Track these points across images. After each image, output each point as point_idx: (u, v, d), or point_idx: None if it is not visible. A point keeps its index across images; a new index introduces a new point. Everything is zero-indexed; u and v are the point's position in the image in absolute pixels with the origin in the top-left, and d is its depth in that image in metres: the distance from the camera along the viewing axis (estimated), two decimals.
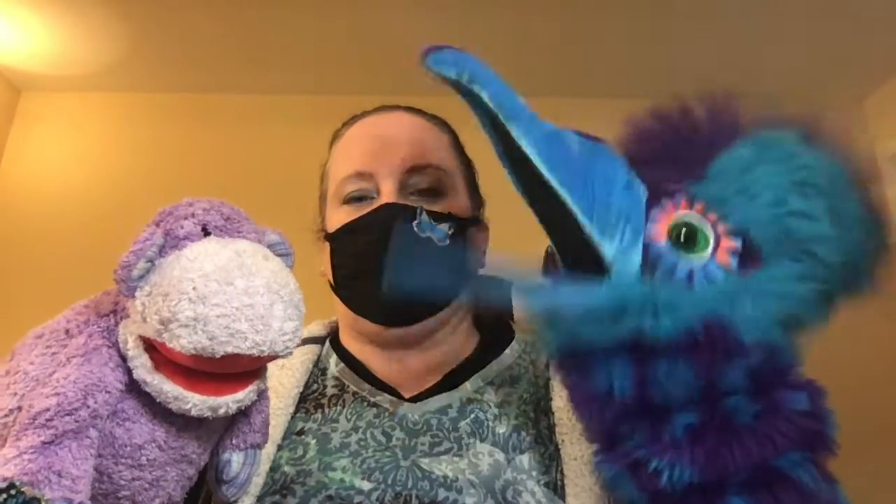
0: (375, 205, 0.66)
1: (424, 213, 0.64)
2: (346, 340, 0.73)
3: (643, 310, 0.41)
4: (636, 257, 0.43)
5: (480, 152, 0.78)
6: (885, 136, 2.09)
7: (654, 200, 0.44)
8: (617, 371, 0.43)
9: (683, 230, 0.43)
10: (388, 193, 0.66)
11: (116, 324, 0.44)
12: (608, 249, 0.42)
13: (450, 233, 0.64)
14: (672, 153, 0.46)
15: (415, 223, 0.63)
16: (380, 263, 0.63)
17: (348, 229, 0.67)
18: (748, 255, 0.43)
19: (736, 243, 0.43)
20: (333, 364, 0.71)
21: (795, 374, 0.45)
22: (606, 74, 2.07)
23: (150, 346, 0.42)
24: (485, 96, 0.45)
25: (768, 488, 0.42)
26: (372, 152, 0.68)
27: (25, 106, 2.22)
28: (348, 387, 0.68)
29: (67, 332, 0.45)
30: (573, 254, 0.45)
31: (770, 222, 0.43)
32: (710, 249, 0.43)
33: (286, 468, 0.60)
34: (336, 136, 0.76)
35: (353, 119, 0.75)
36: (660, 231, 0.44)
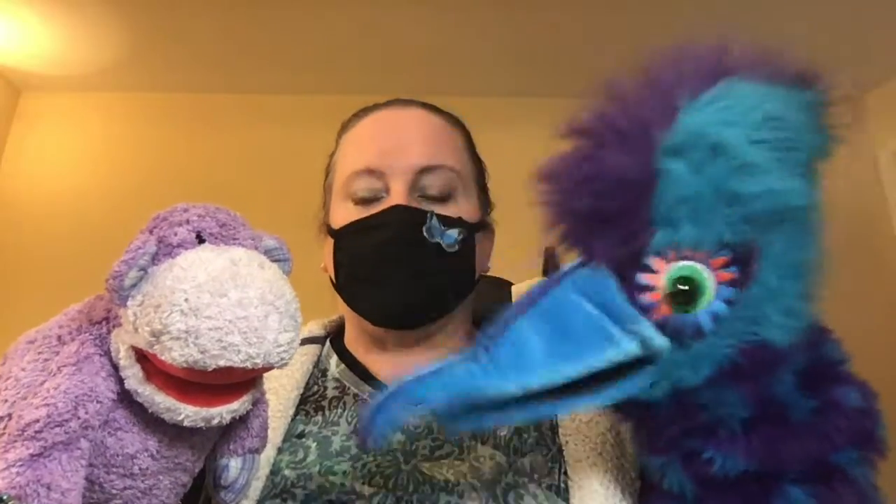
0: (385, 204, 0.65)
1: (434, 217, 0.63)
2: (349, 340, 0.73)
3: (681, 375, 0.41)
4: (662, 340, 0.41)
5: (488, 153, 0.77)
6: (885, 135, 2.08)
7: (627, 280, 0.42)
8: (665, 408, 0.43)
9: (684, 293, 0.41)
10: (398, 194, 0.65)
11: (109, 331, 0.43)
12: (628, 352, 0.40)
13: (459, 238, 0.63)
14: (611, 215, 0.42)
15: (424, 227, 0.62)
16: (385, 266, 0.63)
17: (354, 228, 0.66)
18: (742, 258, 0.41)
19: (725, 256, 0.41)
20: (334, 365, 0.70)
21: (846, 370, 0.44)
22: (606, 74, 2.06)
23: (143, 356, 0.41)
24: (439, 404, 0.41)
25: (826, 482, 0.41)
26: (384, 149, 0.67)
27: (25, 106, 2.22)
28: (349, 389, 0.67)
29: (60, 338, 0.44)
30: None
31: (735, 221, 0.40)
32: (711, 282, 0.41)
33: (286, 472, 0.59)
34: (345, 127, 0.74)
35: (365, 111, 0.74)
36: (661, 310, 0.41)
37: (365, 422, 0.39)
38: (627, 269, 0.41)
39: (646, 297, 0.41)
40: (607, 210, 0.42)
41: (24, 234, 2.08)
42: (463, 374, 0.41)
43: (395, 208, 0.64)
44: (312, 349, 0.72)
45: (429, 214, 0.63)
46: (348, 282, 0.67)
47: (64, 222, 2.09)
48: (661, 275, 0.41)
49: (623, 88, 0.46)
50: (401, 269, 0.63)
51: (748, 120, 0.40)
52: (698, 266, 0.40)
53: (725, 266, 0.41)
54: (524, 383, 0.39)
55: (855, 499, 0.42)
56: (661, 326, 0.40)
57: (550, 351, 0.40)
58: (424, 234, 0.62)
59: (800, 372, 0.42)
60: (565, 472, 0.57)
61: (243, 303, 0.38)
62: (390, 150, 0.67)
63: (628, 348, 0.40)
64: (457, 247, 0.63)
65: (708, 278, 0.40)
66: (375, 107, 0.73)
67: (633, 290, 0.41)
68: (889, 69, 2.03)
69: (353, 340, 0.72)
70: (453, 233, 0.63)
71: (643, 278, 0.41)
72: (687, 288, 0.40)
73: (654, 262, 0.41)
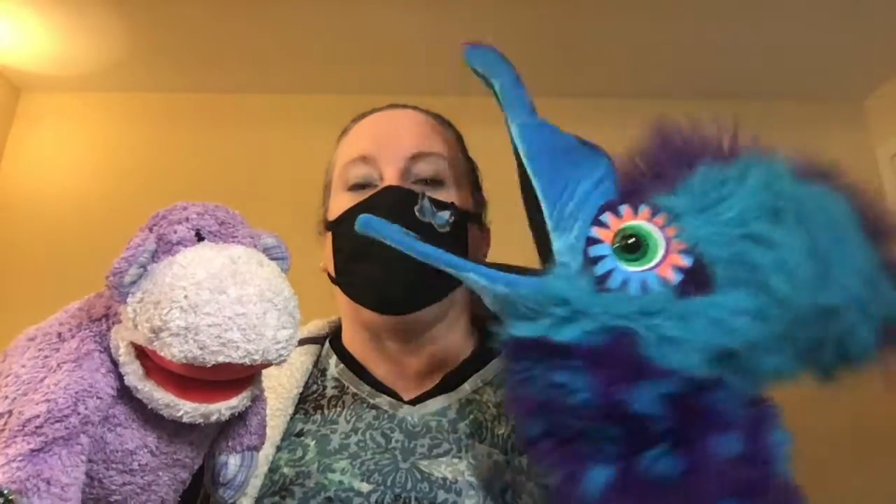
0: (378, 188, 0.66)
1: (427, 198, 0.64)
2: (348, 339, 0.73)
3: (553, 309, 0.39)
4: (580, 256, 0.41)
5: (484, 156, 0.78)
6: (885, 136, 2.09)
7: (617, 204, 0.43)
8: (529, 373, 0.41)
9: (630, 238, 0.42)
10: (390, 178, 0.66)
11: (109, 328, 0.44)
12: (556, 242, 0.42)
13: (450, 220, 0.64)
14: (661, 169, 0.45)
15: (416, 207, 0.63)
16: (378, 247, 0.63)
17: (350, 213, 0.66)
18: (698, 278, 0.40)
19: (686, 261, 0.40)
20: (333, 365, 0.71)
21: (731, 412, 0.39)
22: (606, 74, 2.06)
23: (142, 353, 0.41)
24: (496, 86, 0.47)
25: None
26: (377, 139, 0.69)
27: (25, 106, 2.21)
28: (348, 388, 0.67)
29: (60, 335, 0.45)
30: (541, 248, 0.45)
31: (725, 242, 0.40)
32: (655, 261, 0.41)
33: (285, 469, 0.59)
34: (344, 132, 0.76)
35: (362, 116, 0.76)
36: (608, 234, 0.42)
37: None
38: (625, 203, 0.43)
39: (609, 218, 0.43)
40: (663, 167, 0.45)
41: (24, 234, 2.08)
42: (516, 84, 0.50)
43: (388, 189, 0.65)
44: (312, 349, 0.72)
45: (420, 194, 0.64)
46: (344, 267, 0.68)
47: (64, 222, 2.09)
48: (633, 218, 0.42)
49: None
50: (393, 252, 0.63)
51: (817, 200, 0.41)
52: (656, 240, 0.42)
53: (676, 267, 0.41)
54: (518, 125, 0.45)
55: None
56: (592, 243, 0.42)
57: (549, 151, 0.44)
58: (416, 213, 0.63)
59: (673, 415, 0.39)
60: None
61: (242, 300, 0.39)
62: (383, 139, 0.69)
63: (562, 235, 0.42)
64: (448, 228, 0.64)
65: (653, 255, 0.41)
66: (372, 111, 0.75)
67: (610, 210, 0.43)
68: (889, 69, 2.03)
69: (351, 340, 0.73)
70: (444, 214, 0.64)
71: (624, 209, 0.43)
72: (633, 242, 0.42)
73: (643, 210, 0.43)
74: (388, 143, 0.68)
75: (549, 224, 0.42)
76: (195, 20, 1.90)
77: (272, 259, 0.47)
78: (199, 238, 0.43)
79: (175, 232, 0.41)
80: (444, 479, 0.57)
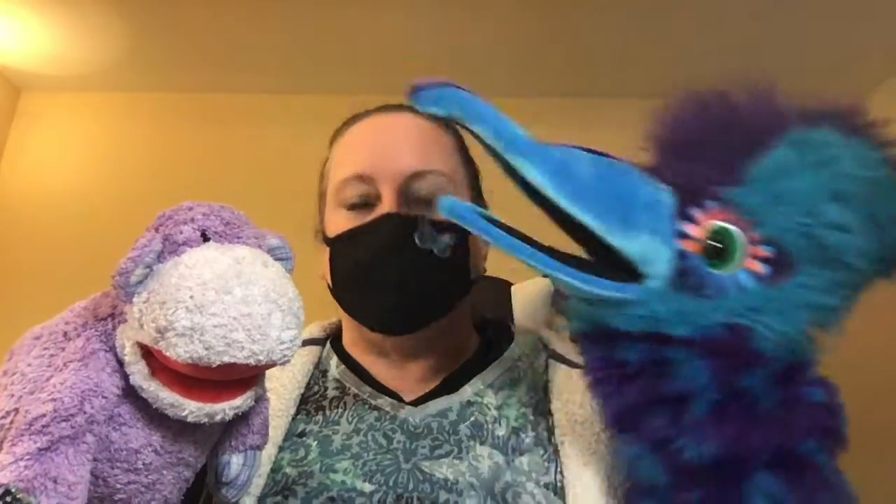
0: (376, 212, 0.65)
1: (426, 223, 0.63)
2: (348, 344, 0.73)
3: (665, 317, 0.42)
4: (664, 266, 0.43)
5: (480, 154, 0.77)
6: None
7: (684, 206, 0.44)
8: (635, 354, 0.44)
9: (716, 242, 0.43)
10: (388, 201, 0.65)
11: (114, 328, 0.44)
12: (621, 243, 0.42)
13: (451, 243, 0.63)
14: (709, 148, 0.45)
15: (416, 234, 0.62)
16: (378, 275, 0.63)
17: (347, 237, 0.66)
18: (781, 263, 0.43)
19: (768, 252, 0.43)
20: (334, 366, 0.71)
21: (813, 371, 0.46)
22: (606, 74, 2.07)
23: (147, 352, 0.42)
24: (480, 133, 0.43)
25: (793, 469, 0.43)
26: (373, 155, 0.67)
27: (25, 106, 2.21)
28: (349, 389, 0.68)
29: (65, 334, 0.45)
30: (602, 261, 0.45)
31: (804, 233, 0.42)
32: (742, 258, 0.43)
33: (287, 469, 0.60)
34: (337, 135, 0.74)
35: (355, 118, 0.74)
36: (692, 244, 0.43)
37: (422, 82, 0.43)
38: (686, 198, 0.44)
39: (687, 227, 0.43)
40: (709, 139, 0.44)
41: (24, 234, 2.08)
42: (513, 128, 0.43)
43: (386, 217, 0.64)
44: (313, 350, 0.72)
45: (420, 220, 0.63)
46: (344, 290, 0.68)
47: (64, 222, 2.09)
48: (710, 220, 0.43)
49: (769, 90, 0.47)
50: (394, 278, 0.63)
51: (868, 168, 0.43)
52: (742, 239, 0.43)
53: (761, 258, 0.43)
54: (540, 171, 0.41)
55: (820, 484, 0.44)
56: (682, 258, 0.43)
57: (587, 184, 0.42)
58: (416, 240, 0.62)
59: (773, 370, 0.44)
60: (561, 472, 0.58)
61: (247, 300, 0.39)
62: (380, 156, 0.67)
63: (632, 243, 0.42)
64: (448, 252, 0.63)
65: (740, 255, 0.43)
66: (366, 113, 0.73)
67: (681, 216, 0.43)
68: (889, 69, 2.03)
69: (352, 343, 0.73)
70: (445, 238, 0.63)
71: (696, 213, 0.43)
72: (721, 246, 0.43)
73: (713, 207, 0.43)
74: (385, 161, 0.66)
75: (620, 248, 0.42)
76: (195, 20, 1.90)
77: (277, 259, 0.47)
78: (205, 238, 0.43)
79: (181, 232, 0.42)
80: (446, 479, 0.58)
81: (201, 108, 2.21)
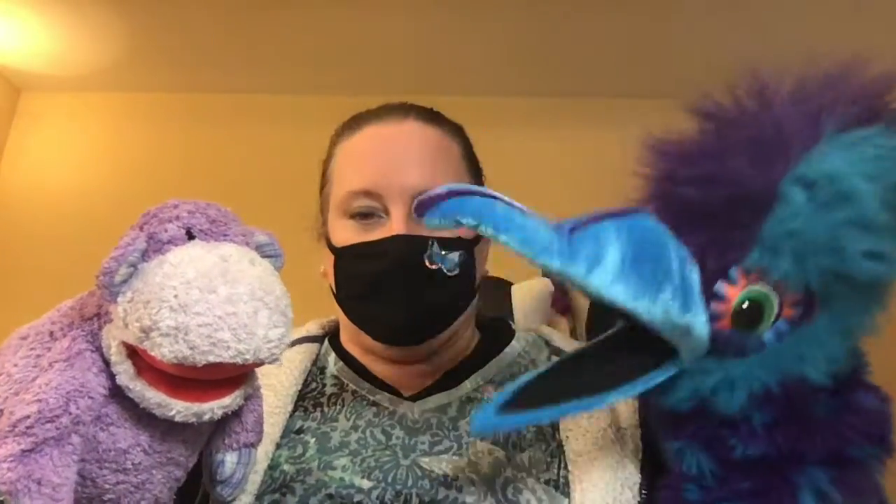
0: (384, 226, 0.65)
1: (435, 244, 0.62)
2: (346, 342, 0.73)
3: (716, 389, 0.42)
4: (704, 332, 0.42)
5: (485, 153, 0.77)
6: None
7: (709, 281, 0.42)
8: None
9: (746, 311, 0.42)
10: (397, 220, 0.64)
11: (100, 327, 0.43)
12: (681, 320, 0.41)
13: (459, 261, 0.63)
14: (717, 218, 0.42)
15: (425, 255, 0.62)
16: (385, 293, 0.63)
17: (355, 252, 0.66)
18: (812, 301, 0.42)
19: (798, 295, 0.42)
20: (332, 363, 0.70)
21: (864, 374, 0.46)
22: (606, 74, 2.06)
23: (133, 352, 0.41)
24: (506, 242, 0.41)
25: (842, 469, 0.43)
26: (380, 171, 0.66)
27: (25, 106, 2.22)
28: (347, 385, 0.67)
29: (52, 334, 0.45)
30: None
31: (831, 272, 0.41)
32: (777, 311, 0.42)
33: (285, 466, 0.59)
34: (340, 136, 0.73)
35: (359, 121, 0.72)
36: (725, 323, 0.42)
37: (425, 199, 0.41)
38: (708, 270, 0.42)
39: (715, 306, 0.42)
40: (714, 211, 0.42)
41: (24, 234, 2.08)
42: (537, 231, 0.40)
43: (396, 238, 0.63)
44: (310, 347, 0.72)
45: (430, 242, 0.62)
46: (349, 302, 0.68)
47: (64, 222, 2.09)
48: (738, 290, 0.42)
49: (771, 89, 0.44)
50: (401, 296, 0.63)
51: (889, 179, 0.40)
52: (772, 295, 0.42)
53: (795, 304, 0.42)
54: (582, 278, 0.39)
55: (868, 485, 0.44)
56: (715, 335, 0.42)
57: (621, 269, 0.40)
58: (425, 261, 0.62)
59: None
60: (565, 467, 0.58)
61: (233, 299, 0.38)
62: (388, 172, 0.66)
63: (679, 315, 0.40)
64: (457, 270, 0.63)
65: (774, 309, 0.42)
66: (371, 117, 0.72)
67: (706, 291, 0.42)
68: (889, 69, 2.02)
69: (350, 341, 0.72)
70: (454, 256, 0.63)
71: (723, 288, 0.42)
72: (754, 310, 0.42)
73: (738, 275, 0.42)
74: (393, 178, 0.65)
75: (635, 307, 0.40)
76: (195, 20, 1.90)
77: (265, 257, 0.46)
78: (190, 236, 0.43)
79: (165, 230, 0.41)
80: (445, 475, 0.57)
81: (201, 108, 2.21)
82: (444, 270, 0.62)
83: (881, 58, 0.42)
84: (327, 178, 0.73)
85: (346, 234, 0.67)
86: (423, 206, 0.42)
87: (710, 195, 0.42)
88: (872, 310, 0.43)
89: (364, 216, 0.66)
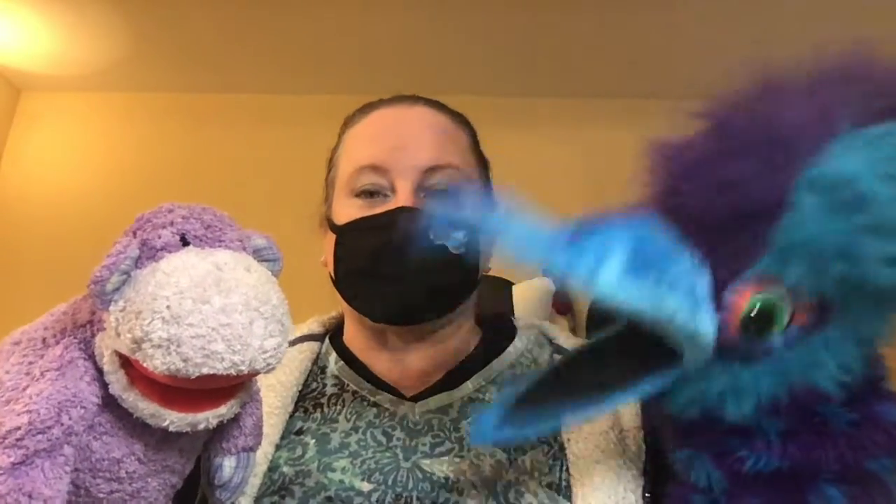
0: (390, 204, 0.64)
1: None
2: (348, 338, 0.72)
3: (722, 396, 0.41)
4: (710, 333, 0.40)
5: (486, 153, 0.77)
6: None
7: (717, 287, 0.41)
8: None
9: (757, 322, 0.40)
10: (403, 194, 0.64)
11: (94, 334, 0.43)
12: (688, 324, 0.40)
13: (465, 240, 0.63)
14: (725, 232, 0.41)
15: (431, 229, 0.62)
16: (388, 266, 0.62)
17: (358, 226, 0.65)
18: (823, 309, 0.40)
19: (811, 301, 0.40)
20: (333, 362, 0.70)
21: (885, 386, 0.44)
22: (604, 74, 2.05)
23: (126, 361, 0.40)
24: (516, 241, 0.40)
25: (860, 485, 0.42)
26: (389, 147, 0.66)
27: (25, 106, 2.21)
28: (348, 386, 0.67)
29: (44, 341, 0.44)
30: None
31: (844, 279, 0.39)
32: (789, 315, 0.40)
33: (285, 468, 0.59)
34: (349, 122, 0.73)
35: (370, 106, 0.73)
36: (732, 328, 0.41)
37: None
38: (717, 275, 0.40)
39: (724, 312, 0.40)
40: (721, 220, 0.40)
41: (24, 234, 2.08)
42: (541, 231, 0.39)
43: (401, 210, 0.63)
44: (311, 346, 0.71)
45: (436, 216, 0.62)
46: (348, 278, 0.67)
47: (64, 222, 2.08)
48: (747, 296, 0.40)
49: (775, 87, 0.41)
50: (404, 270, 0.62)
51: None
52: (783, 301, 0.40)
53: (807, 311, 0.40)
54: (587, 279, 0.38)
55: (886, 502, 0.42)
56: (723, 341, 0.40)
57: (627, 271, 0.38)
58: (430, 236, 0.62)
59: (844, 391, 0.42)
60: (567, 470, 0.57)
61: (227, 309, 0.37)
62: (396, 148, 0.66)
63: (687, 319, 0.38)
64: (462, 248, 0.62)
65: (785, 315, 0.40)
66: (381, 103, 0.72)
67: (714, 296, 0.40)
68: None
69: (353, 338, 0.72)
70: (459, 234, 0.62)
71: (732, 294, 0.40)
72: (763, 317, 0.40)
73: (748, 281, 0.40)
74: (401, 154, 0.65)
75: (641, 314, 0.39)
76: (195, 20, 1.89)
77: (263, 261, 0.46)
78: (185, 242, 0.42)
79: (159, 237, 0.40)
80: (446, 478, 0.57)
81: (201, 108, 2.20)
82: (449, 248, 0.61)
83: (888, 55, 0.39)
84: (334, 163, 0.73)
85: (351, 211, 0.66)
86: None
87: (716, 205, 0.40)
88: (889, 317, 0.42)
89: (370, 194, 0.66)
